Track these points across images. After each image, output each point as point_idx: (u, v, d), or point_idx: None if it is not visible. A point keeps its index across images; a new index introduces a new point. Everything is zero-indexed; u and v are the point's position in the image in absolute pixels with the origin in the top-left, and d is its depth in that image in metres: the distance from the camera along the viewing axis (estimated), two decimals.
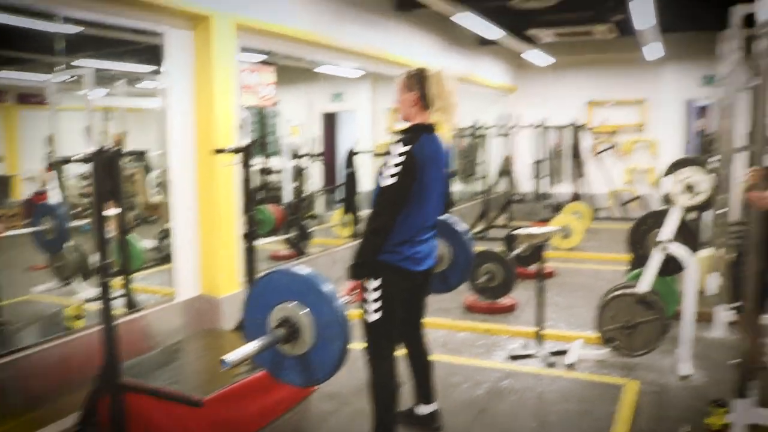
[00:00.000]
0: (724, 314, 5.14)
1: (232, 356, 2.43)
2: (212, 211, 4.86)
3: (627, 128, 12.35)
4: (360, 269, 3.03)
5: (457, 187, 11.05)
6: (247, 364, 3.36)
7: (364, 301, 3.09)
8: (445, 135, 3.17)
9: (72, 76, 4.70)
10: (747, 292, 3.38)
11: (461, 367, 4.65)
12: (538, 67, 12.32)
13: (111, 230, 3.71)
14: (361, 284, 3.09)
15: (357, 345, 3.25)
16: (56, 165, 4.70)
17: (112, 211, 3.64)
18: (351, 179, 7.84)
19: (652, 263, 4.40)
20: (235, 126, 5.01)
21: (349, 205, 7.89)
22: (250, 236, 4.10)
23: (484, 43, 10.54)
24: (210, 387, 3.31)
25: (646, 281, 4.37)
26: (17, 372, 3.66)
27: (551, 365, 4.63)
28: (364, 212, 7.37)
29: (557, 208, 11.09)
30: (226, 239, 4.92)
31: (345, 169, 7.86)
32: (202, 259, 4.94)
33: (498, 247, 6.58)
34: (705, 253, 5.61)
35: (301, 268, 2.72)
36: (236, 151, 4.10)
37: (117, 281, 4.23)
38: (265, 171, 8.44)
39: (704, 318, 5.06)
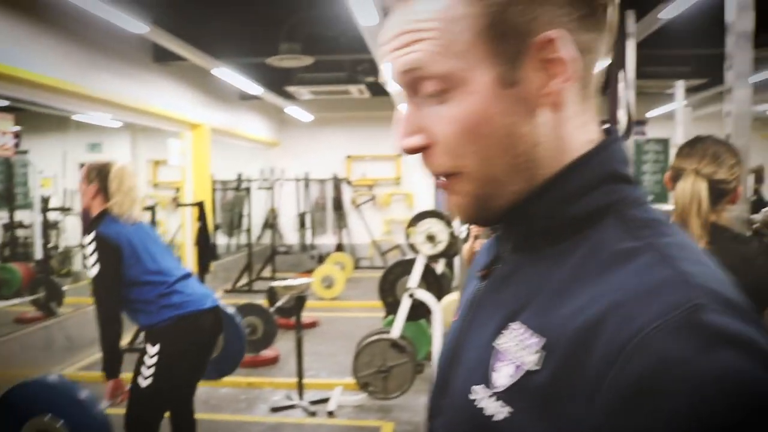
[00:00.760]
0: None
1: None
2: None
3: (384, 181, 13.01)
4: (109, 367, 2.97)
5: (221, 239, 10.93)
6: None
7: (141, 364, 3.00)
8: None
9: None
10: None
11: (223, 423, 4.58)
12: (299, 122, 12.66)
13: None
14: (121, 381, 3.01)
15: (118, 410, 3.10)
16: None
17: None
18: None
19: (402, 309, 4.68)
20: None
21: None
22: None
23: (245, 97, 10.65)
24: None
25: (397, 326, 4.62)
26: None
27: (313, 414, 4.71)
28: None
29: (321, 258, 11.38)
30: None
31: None
32: None
33: (263, 300, 6.60)
34: (452, 297, 6.05)
35: (54, 377, 2.58)
36: None
37: None
38: (12, 225, 7.81)
39: None
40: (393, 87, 0.65)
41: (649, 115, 11.79)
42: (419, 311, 4.88)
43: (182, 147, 8.64)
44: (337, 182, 12.55)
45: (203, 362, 3.31)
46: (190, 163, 9.10)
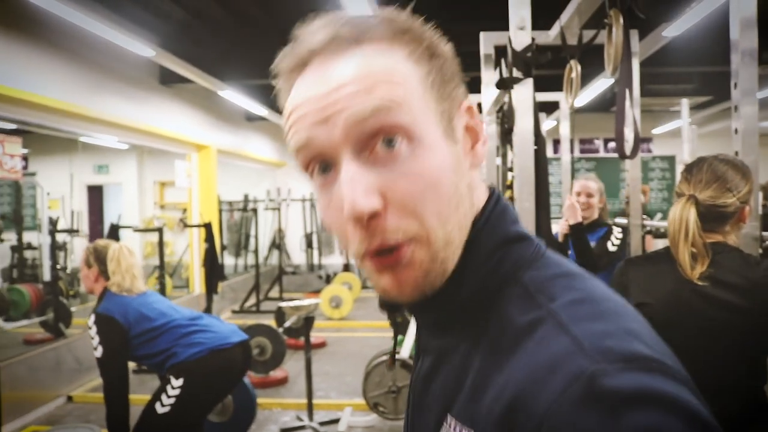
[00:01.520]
0: None
1: None
2: None
3: None
4: None
5: (228, 260, 10.95)
6: None
7: (162, 392, 3.03)
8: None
9: None
10: None
11: None
12: None
13: None
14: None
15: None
16: None
17: None
18: None
19: (411, 329, 4.66)
20: None
21: None
22: None
23: (251, 118, 10.72)
24: None
25: (407, 346, 4.61)
26: None
27: None
28: None
29: (328, 279, 11.37)
30: None
31: None
32: None
33: (270, 321, 6.59)
34: None
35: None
36: None
37: None
38: (21, 247, 7.84)
39: None
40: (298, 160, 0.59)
41: (654, 132, 11.82)
42: None
43: (189, 168, 8.68)
44: None
45: (224, 394, 3.37)
46: (197, 184, 9.13)
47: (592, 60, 3.47)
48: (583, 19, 2.21)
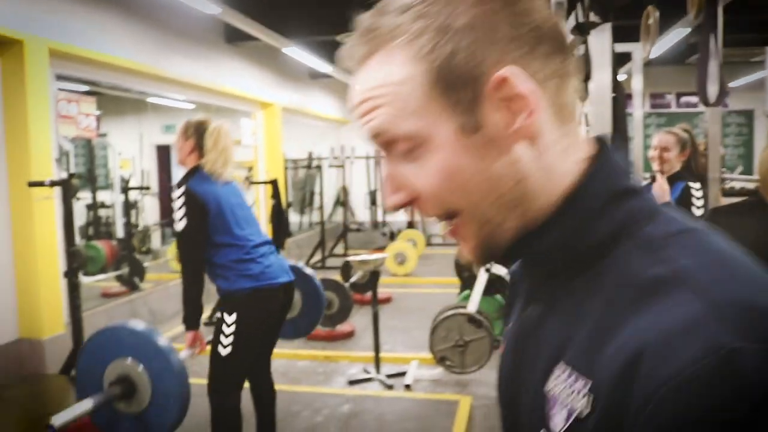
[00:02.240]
0: None
1: (61, 418, 2.32)
2: (30, 249, 4.58)
3: None
4: (189, 320, 3.05)
5: (293, 217, 11.08)
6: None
7: (219, 333, 3.06)
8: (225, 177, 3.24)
9: None
10: None
11: (301, 395, 4.65)
12: None
13: None
14: (200, 333, 3.09)
15: (200, 380, 3.19)
16: None
17: None
18: None
19: (478, 284, 4.65)
20: (53, 158, 4.78)
21: None
22: (72, 273, 3.91)
23: (315, 76, 10.72)
24: None
25: (474, 301, 4.60)
26: None
27: (390, 387, 4.74)
28: None
29: (393, 235, 11.41)
30: (47, 278, 4.65)
31: None
32: (20, 299, 4.63)
33: (335, 276, 6.67)
34: None
35: (137, 323, 2.67)
36: (53, 184, 3.89)
37: None
38: (95, 205, 8.09)
39: None
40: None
41: (731, 85, 11.35)
42: (496, 286, 4.84)
43: (254, 126, 8.77)
44: None
45: (276, 330, 3.38)
46: (262, 143, 9.23)
47: (664, 9, 3.32)
48: None
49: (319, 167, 11.04)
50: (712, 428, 0.48)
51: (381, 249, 9.70)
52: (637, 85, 4.94)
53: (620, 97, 2.10)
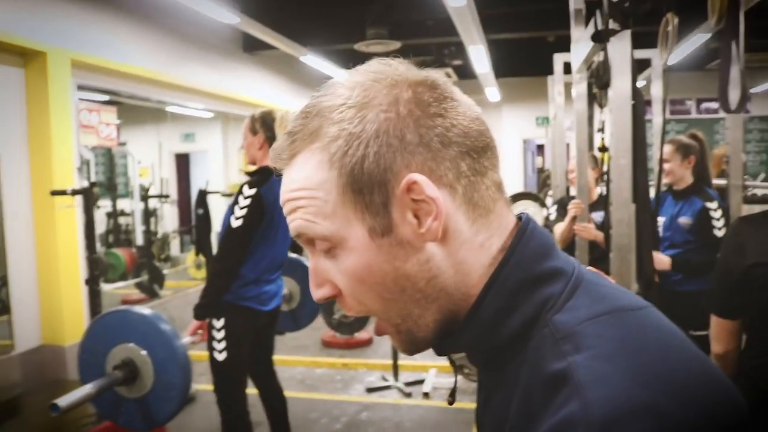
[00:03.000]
0: None
1: (65, 400, 2.33)
2: (52, 256, 4.63)
3: None
4: (202, 309, 3.00)
5: None
6: (91, 415, 3.23)
7: (212, 339, 3.04)
8: None
9: None
10: None
11: (319, 402, 4.65)
12: None
13: None
14: (207, 324, 3.04)
15: (208, 386, 3.20)
16: None
17: None
18: (202, 220, 7.67)
19: None
20: (75, 167, 4.83)
21: (201, 246, 7.71)
22: (93, 281, 3.94)
23: None
24: None
25: None
26: None
27: (408, 395, 4.74)
28: None
29: None
30: (68, 285, 4.69)
31: (196, 209, 7.69)
32: (43, 306, 4.68)
33: None
34: None
35: (140, 308, 2.67)
36: (75, 192, 3.93)
37: None
38: (115, 213, 8.17)
39: None
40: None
41: (753, 91, 11.24)
42: None
43: None
44: None
45: (269, 336, 3.35)
46: None
47: (684, 14, 3.30)
48: None
49: None
50: None
51: None
52: (656, 91, 4.91)
53: (639, 104, 2.09)
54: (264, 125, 3.06)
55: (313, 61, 7.76)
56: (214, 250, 7.62)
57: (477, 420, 0.77)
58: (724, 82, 1.90)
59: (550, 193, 6.04)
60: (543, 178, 10.13)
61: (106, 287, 6.89)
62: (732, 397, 0.56)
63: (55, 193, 4.04)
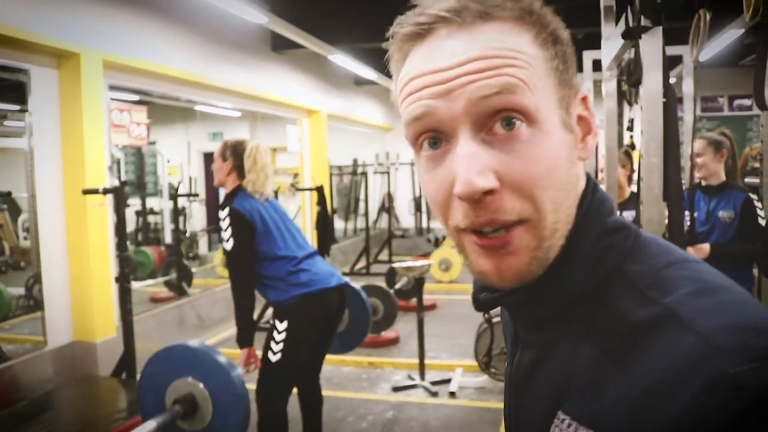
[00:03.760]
0: None
1: None
2: (84, 254, 4.69)
3: None
4: (244, 337, 3.11)
5: (338, 223, 11.14)
6: (121, 411, 3.28)
7: (270, 339, 3.11)
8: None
9: None
10: None
11: (346, 401, 4.67)
12: None
13: None
14: (254, 350, 3.15)
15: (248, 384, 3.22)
16: None
17: None
18: None
19: None
20: (106, 166, 4.89)
21: None
22: (122, 278, 3.99)
23: (360, 82, 10.77)
24: None
25: None
26: None
27: (435, 394, 4.73)
28: None
29: (437, 242, 11.38)
30: (99, 282, 4.75)
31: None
32: (75, 303, 4.74)
33: (380, 282, 6.68)
34: None
35: (195, 342, 2.73)
36: (106, 191, 3.99)
37: None
38: (144, 212, 8.25)
39: None
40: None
41: None
42: None
43: (300, 133, 8.85)
44: None
45: (329, 337, 3.41)
46: (308, 149, 9.30)
47: (718, 9, 3.25)
48: None
49: (364, 174, 11.07)
50: None
51: (426, 255, 9.68)
52: (687, 88, 4.85)
53: (671, 101, 2.06)
54: (234, 154, 3.24)
55: (341, 60, 7.78)
56: None
57: (513, 382, 0.75)
58: (759, 79, 1.87)
59: None
60: None
61: (135, 285, 6.98)
62: None
63: (86, 191, 4.10)
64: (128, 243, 5.44)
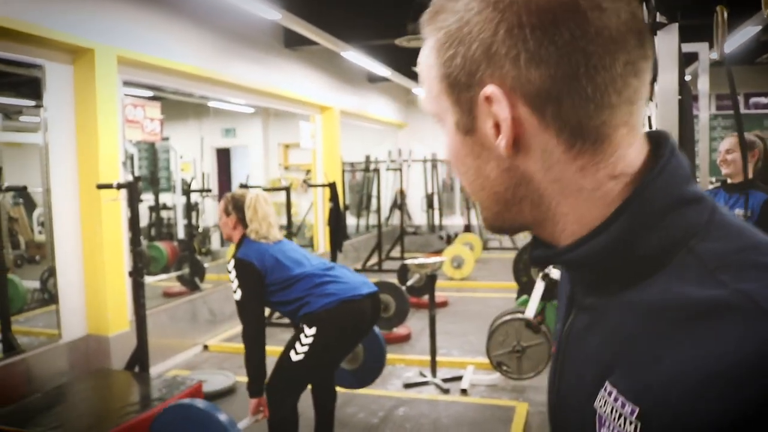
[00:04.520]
0: None
1: None
2: (98, 248, 4.72)
3: None
4: (255, 386, 3.15)
5: (350, 220, 11.14)
6: (134, 404, 3.31)
7: (296, 340, 3.13)
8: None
9: None
10: None
11: (357, 397, 4.67)
12: None
13: None
14: (264, 400, 3.18)
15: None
16: None
17: None
18: None
19: (537, 289, 4.60)
20: (120, 161, 4.92)
21: None
22: (136, 273, 4.01)
23: (373, 79, 10.76)
24: (94, 431, 3.20)
25: (532, 307, 4.55)
26: None
27: (446, 391, 4.73)
28: None
29: (449, 239, 11.37)
30: (113, 277, 4.78)
31: None
32: (89, 297, 4.78)
33: (392, 279, 6.68)
34: None
35: (199, 401, 2.80)
36: (120, 186, 4.01)
37: None
38: (157, 207, 8.28)
39: None
40: None
41: None
42: (554, 291, 4.78)
43: (313, 130, 8.86)
44: None
45: (354, 344, 3.45)
46: (321, 146, 9.31)
47: (735, 6, 3.23)
48: None
49: (376, 170, 11.07)
50: None
51: (438, 252, 9.67)
52: (703, 86, 4.80)
53: (687, 99, 2.05)
54: (235, 208, 3.35)
55: (354, 56, 7.78)
56: None
57: (563, 343, 0.73)
58: None
59: None
60: None
61: (148, 279, 7.02)
62: None
63: (101, 186, 4.12)
64: (141, 238, 5.48)
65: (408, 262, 5.24)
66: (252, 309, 3.13)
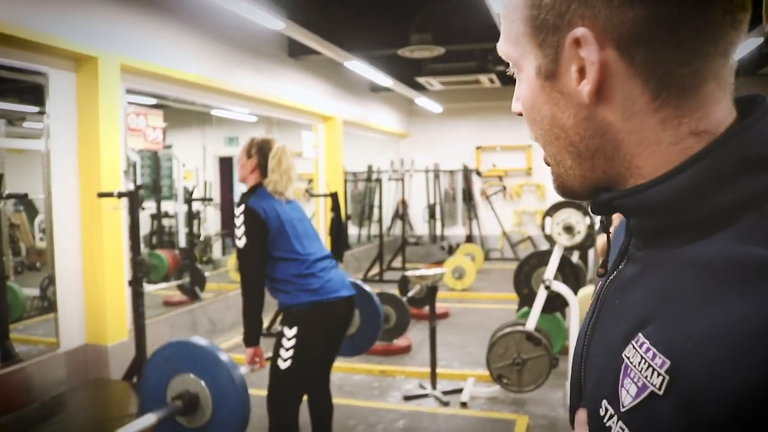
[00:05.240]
0: None
1: (127, 431, 2.41)
2: (98, 257, 4.71)
3: (515, 172, 12.80)
4: (251, 336, 3.10)
5: (352, 230, 11.13)
6: (131, 415, 3.28)
7: (279, 346, 3.09)
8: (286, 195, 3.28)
9: None
10: None
11: (357, 409, 4.65)
12: (429, 113, 12.67)
13: None
14: (260, 349, 3.13)
15: (259, 391, 3.23)
16: None
17: None
18: None
19: (538, 301, 4.58)
20: (122, 169, 4.91)
21: None
22: (136, 282, 4.00)
23: (376, 89, 10.78)
24: None
25: (533, 319, 4.53)
26: None
27: (445, 404, 4.71)
28: None
29: (451, 249, 11.35)
30: (112, 285, 4.76)
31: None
32: (88, 306, 4.76)
33: (393, 290, 6.66)
34: (588, 290, 5.86)
35: (199, 339, 2.73)
36: (121, 195, 4.00)
37: None
38: (159, 215, 8.28)
39: None
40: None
41: None
42: (555, 304, 4.76)
43: (315, 139, 8.86)
44: (466, 173, 12.47)
45: (337, 344, 3.40)
46: (323, 155, 9.31)
47: None
48: None
49: (378, 180, 11.07)
50: None
51: (439, 263, 9.66)
52: None
53: None
54: (260, 152, 3.22)
55: (358, 66, 7.79)
56: None
57: (606, 292, 0.71)
58: None
59: None
60: None
61: (148, 288, 7.01)
62: None
63: (102, 195, 4.11)
64: (143, 246, 5.47)
65: (409, 273, 5.23)
66: (254, 257, 3.06)
